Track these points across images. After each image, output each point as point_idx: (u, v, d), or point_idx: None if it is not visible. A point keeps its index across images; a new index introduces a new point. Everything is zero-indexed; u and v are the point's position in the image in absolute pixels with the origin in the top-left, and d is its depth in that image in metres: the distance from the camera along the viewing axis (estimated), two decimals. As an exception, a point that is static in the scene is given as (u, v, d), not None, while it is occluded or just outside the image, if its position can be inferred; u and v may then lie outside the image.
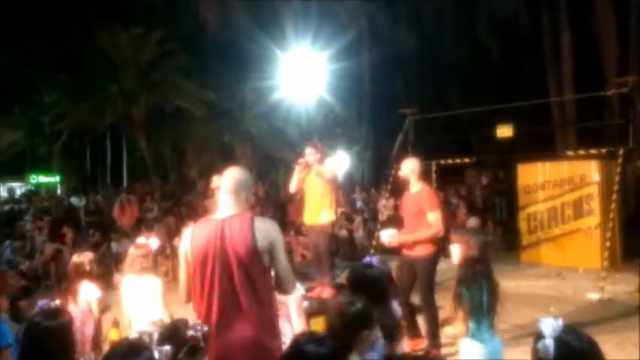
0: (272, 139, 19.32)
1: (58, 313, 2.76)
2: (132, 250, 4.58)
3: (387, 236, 5.67)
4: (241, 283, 2.90)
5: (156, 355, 2.14)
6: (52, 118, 19.51)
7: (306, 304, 6.49)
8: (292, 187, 7.33)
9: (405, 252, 5.75)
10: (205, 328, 2.73)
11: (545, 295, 8.20)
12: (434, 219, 5.59)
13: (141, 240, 4.67)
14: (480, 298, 3.09)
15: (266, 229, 2.96)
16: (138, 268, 4.48)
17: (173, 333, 2.71)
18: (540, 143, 14.01)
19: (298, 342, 2.03)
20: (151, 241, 4.67)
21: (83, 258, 4.66)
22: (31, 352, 2.65)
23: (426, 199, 5.67)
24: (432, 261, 5.62)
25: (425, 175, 6.21)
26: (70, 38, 18.79)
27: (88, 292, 4.55)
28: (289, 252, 12.39)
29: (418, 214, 5.66)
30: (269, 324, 3.00)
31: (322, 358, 1.93)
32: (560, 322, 1.85)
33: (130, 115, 19.41)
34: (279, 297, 3.64)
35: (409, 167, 5.89)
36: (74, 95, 18.48)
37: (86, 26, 18.65)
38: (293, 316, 3.69)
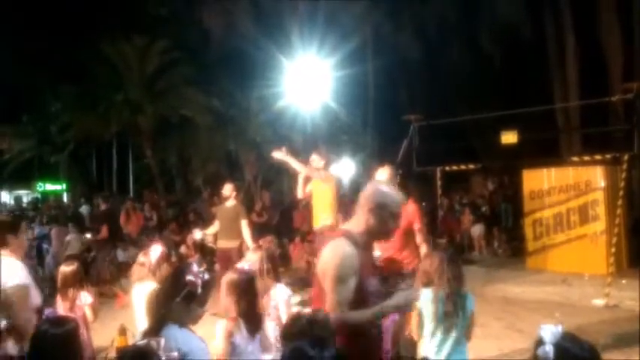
0: (277, 146, 19.33)
1: (65, 321, 2.79)
2: (139, 259, 4.64)
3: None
4: None
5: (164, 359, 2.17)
6: (59, 127, 19.70)
7: (294, 300, 6.53)
8: (300, 193, 7.50)
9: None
10: (207, 276, 2.81)
11: (551, 301, 8.19)
12: (422, 237, 5.42)
13: (157, 249, 4.72)
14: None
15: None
16: (144, 276, 4.53)
17: (174, 278, 2.80)
18: (545, 149, 13.99)
19: (298, 345, 2.04)
20: (155, 249, 4.71)
21: (72, 266, 4.71)
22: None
23: (415, 213, 5.37)
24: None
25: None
26: (76, 49, 18.95)
27: (81, 299, 4.60)
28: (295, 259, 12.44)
29: (406, 229, 5.24)
30: None
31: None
32: (560, 328, 1.86)
33: (136, 124, 19.53)
34: (270, 301, 3.71)
35: (386, 176, 5.42)
36: (81, 105, 18.66)
37: (92, 37, 18.81)
38: (283, 319, 3.74)
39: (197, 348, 2.72)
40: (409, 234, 5.34)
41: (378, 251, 5.05)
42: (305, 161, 7.59)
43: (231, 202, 8.39)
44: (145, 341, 2.31)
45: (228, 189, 8.47)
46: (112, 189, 27.83)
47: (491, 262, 12.34)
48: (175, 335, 2.66)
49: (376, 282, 2.86)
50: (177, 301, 2.72)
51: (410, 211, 5.22)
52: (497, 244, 13.86)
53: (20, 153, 23.86)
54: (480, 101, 16.94)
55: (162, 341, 2.19)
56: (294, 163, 7.57)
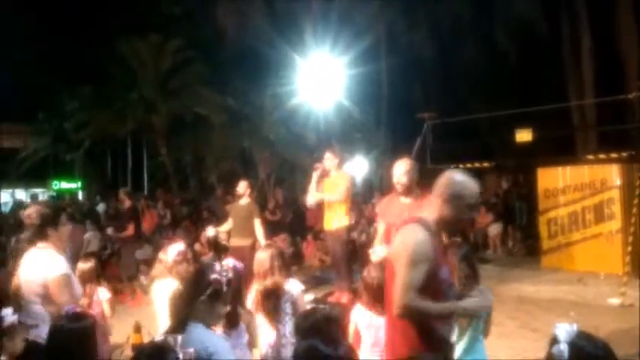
0: (291, 144, 19.40)
1: (82, 316, 2.84)
2: (160, 256, 4.68)
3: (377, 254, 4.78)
4: None
5: (180, 356, 2.19)
6: (74, 126, 19.88)
7: (308, 298, 6.55)
8: (311, 199, 7.27)
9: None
10: (230, 275, 2.84)
11: (566, 300, 8.14)
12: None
13: (169, 247, 4.76)
14: None
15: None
16: (164, 273, 4.58)
17: (199, 277, 2.83)
18: (560, 147, 13.88)
19: (312, 344, 2.06)
20: (176, 247, 4.76)
21: (89, 263, 4.77)
22: (55, 354, 2.73)
23: None
24: None
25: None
26: (91, 48, 19.13)
27: (98, 295, 4.67)
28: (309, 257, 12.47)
29: None
30: None
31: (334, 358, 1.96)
32: (575, 327, 1.86)
33: (151, 123, 19.67)
34: (285, 296, 3.72)
35: (404, 169, 5.10)
36: (96, 103, 18.86)
37: (107, 36, 18.97)
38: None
39: (222, 348, 2.75)
40: None
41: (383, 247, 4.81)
42: (319, 159, 7.54)
43: (245, 200, 8.40)
44: (162, 338, 2.34)
45: (242, 187, 8.47)
46: (127, 186, 28.00)
47: (505, 260, 12.27)
48: (200, 335, 2.69)
49: (447, 270, 2.83)
50: (202, 300, 2.74)
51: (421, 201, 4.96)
52: (511, 243, 13.78)
53: (36, 151, 24.12)
54: (494, 99, 16.84)
55: (180, 338, 2.21)
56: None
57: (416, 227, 2.66)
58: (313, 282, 9.01)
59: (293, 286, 3.83)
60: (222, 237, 9.18)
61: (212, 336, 2.76)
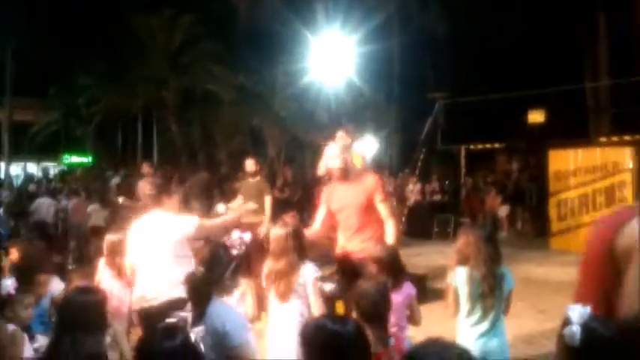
0: (301, 122, 19.35)
1: (92, 291, 2.96)
2: None
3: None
4: None
5: (192, 336, 2.22)
6: (86, 101, 19.91)
7: (329, 287, 6.58)
8: (322, 168, 7.40)
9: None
10: (244, 246, 2.90)
11: (575, 282, 8.07)
12: (388, 209, 4.77)
13: None
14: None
15: None
16: None
17: (215, 259, 2.89)
18: (573, 129, 13.77)
19: (320, 322, 2.09)
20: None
21: (118, 235, 4.83)
22: (66, 324, 2.82)
23: (377, 184, 4.75)
24: None
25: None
26: (103, 22, 19.06)
27: (125, 267, 4.75)
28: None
29: (366, 206, 4.63)
30: None
31: (344, 337, 1.98)
32: (589, 309, 1.86)
33: (161, 98, 19.65)
34: (299, 279, 3.73)
35: (344, 152, 4.79)
36: (107, 79, 18.84)
37: (119, 10, 18.88)
38: (310, 297, 3.72)
39: (240, 324, 2.81)
40: (369, 211, 4.63)
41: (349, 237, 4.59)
42: (330, 136, 7.55)
43: (255, 178, 8.41)
44: (174, 318, 2.37)
45: (250, 164, 8.46)
46: (137, 162, 28.19)
47: (514, 242, 12.25)
48: (220, 311, 2.75)
49: None
50: (226, 276, 2.78)
51: (369, 184, 4.66)
52: (520, 224, 13.76)
53: (47, 125, 24.19)
54: (507, 80, 16.66)
55: (190, 318, 2.23)
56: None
57: None
58: (321, 260, 9.01)
59: (308, 270, 3.75)
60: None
61: (231, 312, 2.81)
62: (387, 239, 4.49)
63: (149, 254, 4.12)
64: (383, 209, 4.64)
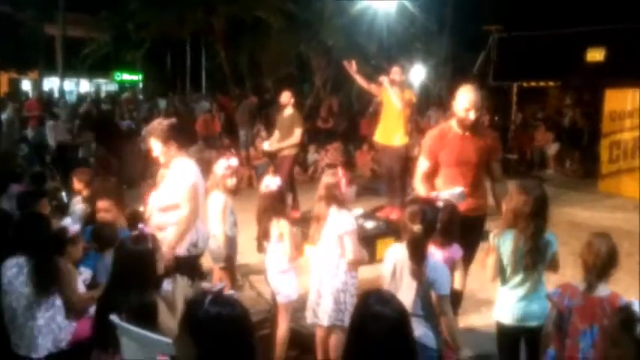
0: (349, 52, 19.02)
1: (143, 239, 3.09)
2: (216, 170, 4.91)
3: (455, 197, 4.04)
4: None
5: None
6: (136, 26, 20.01)
7: (371, 224, 6.74)
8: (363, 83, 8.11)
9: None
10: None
11: (621, 228, 7.89)
12: (497, 173, 4.57)
13: (223, 162, 4.96)
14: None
15: None
16: (213, 186, 4.85)
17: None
18: (633, 69, 13.11)
19: (367, 301, 2.13)
20: (231, 162, 4.97)
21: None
22: (119, 273, 3.03)
23: (497, 140, 4.66)
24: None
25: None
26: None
27: None
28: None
29: (484, 162, 4.40)
30: None
31: (387, 318, 2.04)
32: None
33: (210, 25, 19.61)
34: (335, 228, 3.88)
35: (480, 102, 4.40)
36: (157, 4, 18.80)
37: None
38: (347, 249, 3.90)
39: None
40: (485, 169, 4.44)
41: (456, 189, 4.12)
42: (378, 68, 7.85)
43: (288, 110, 8.44)
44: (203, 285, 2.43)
45: (285, 97, 8.48)
46: (186, 86, 28.57)
47: (561, 182, 12.04)
48: None
49: None
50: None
51: (491, 141, 4.48)
52: (569, 164, 13.49)
53: (99, 46, 24.51)
54: (566, 15, 15.83)
55: (219, 285, 2.16)
56: (360, 81, 8.08)
57: None
58: (363, 192, 9.09)
59: (342, 221, 3.84)
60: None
61: None
62: (495, 200, 4.39)
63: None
64: (497, 169, 4.53)
